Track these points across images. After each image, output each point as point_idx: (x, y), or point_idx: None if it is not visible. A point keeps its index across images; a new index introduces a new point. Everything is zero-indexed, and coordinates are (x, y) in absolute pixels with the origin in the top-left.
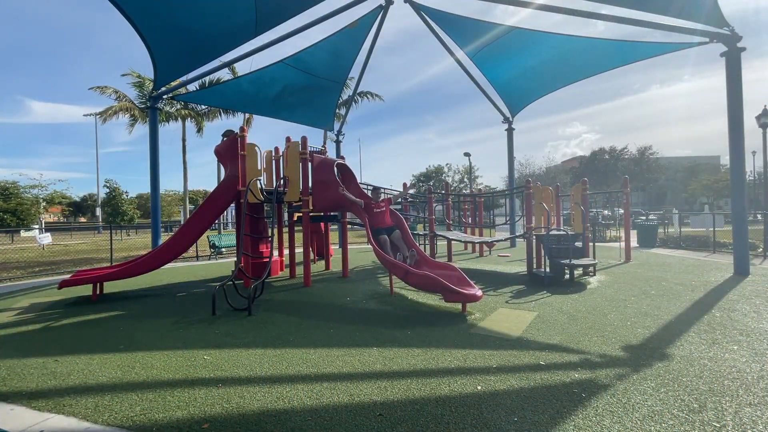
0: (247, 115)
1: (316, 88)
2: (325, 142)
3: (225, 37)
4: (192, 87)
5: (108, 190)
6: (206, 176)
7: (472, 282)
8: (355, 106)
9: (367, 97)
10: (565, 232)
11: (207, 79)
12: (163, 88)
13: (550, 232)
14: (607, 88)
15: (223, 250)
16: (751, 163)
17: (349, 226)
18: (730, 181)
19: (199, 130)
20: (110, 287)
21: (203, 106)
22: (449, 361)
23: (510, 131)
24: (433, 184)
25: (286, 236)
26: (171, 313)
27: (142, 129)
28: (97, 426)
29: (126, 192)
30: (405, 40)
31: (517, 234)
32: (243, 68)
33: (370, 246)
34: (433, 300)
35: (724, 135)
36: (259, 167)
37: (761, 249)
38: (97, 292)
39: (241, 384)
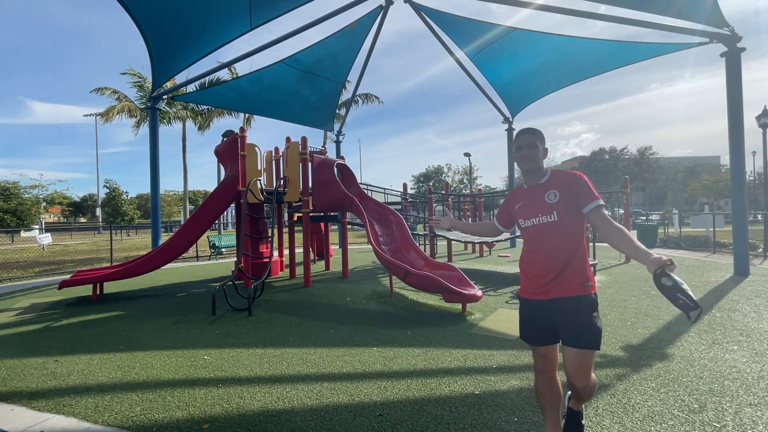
0: (247, 114)
1: (316, 88)
2: (325, 143)
3: (219, 25)
4: (192, 88)
5: (108, 191)
6: (206, 176)
7: (472, 282)
8: (355, 107)
9: (364, 100)
10: None
11: (207, 79)
12: (163, 88)
13: None
14: (607, 88)
15: (223, 250)
16: (751, 163)
17: (349, 226)
18: (730, 181)
19: (201, 127)
20: (110, 287)
21: (203, 107)
22: (449, 362)
23: (510, 131)
24: (433, 185)
25: (286, 236)
26: (171, 313)
27: (143, 129)
28: (97, 426)
29: (126, 192)
30: (405, 42)
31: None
32: (243, 69)
33: (370, 246)
34: (433, 300)
35: (724, 135)
36: (259, 167)
37: (761, 249)
38: (97, 293)
39: (241, 384)
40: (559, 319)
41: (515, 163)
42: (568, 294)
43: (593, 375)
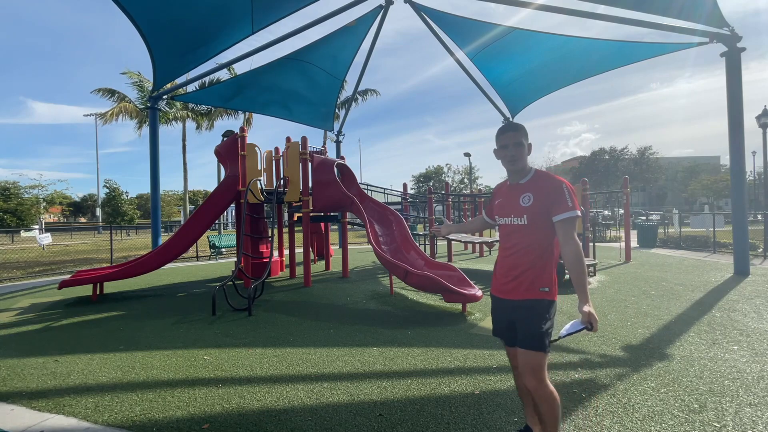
0: (247, 114)
1: (315, 87)
2: (325, 142)
3: (221, 31)
4: (192, 87)
5: (108, 191)
6: (206, 176)
7: (472, 282)
8: (355, 106)
9: (363, 95)
10: None
11: (207, 79)
12: (163, 88)
13: None
14: (607, 88)
15: (223, 250)
16: (751, 163)
17: (349, 226)
18: (730, 181)
19: (200, 126)
20: (110, 287)
21: (204, 107)
22: (449, 362)
23: None
24: (433, 185)
25: (286, 236)
26: (171, 313)
27: (145, 129)
28: (97, 426)
29: (126, 192)
30: (405, 42)
31: None
32: (242, 70)
33: (370, 246)
34: (433, 300)
35: (724, 135)
36: (259, 167)
37: (761, 249)
38: (97, 293)
39: (241, 384)
40: (514, 319)
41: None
42: (524, 297)
43: (550, 388)
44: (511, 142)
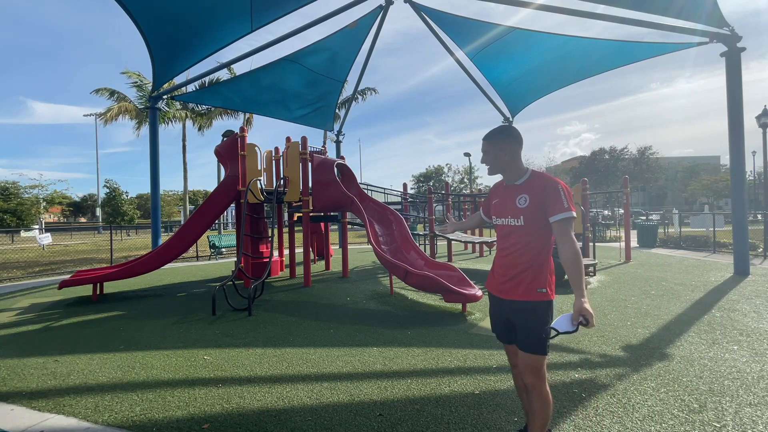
0: (247, 114)
1: (315, 87)
2: (325, 142)
3: (220, 28)
4: (191, 88)
5: (108, 191)
6: (206, 176)
7: (472, 282)
8: (355, 104)
9: (362, 95)
10: None
11: (207, 79)
12: (163, 88)
13: None
14: (607, 88)
15: (223, 250)
16: (751, 163)
17: (349, 226)
18: (730, 181)
19: (201, 128)
20: (110, 287)
21: (203, 107)
22: (449, 361)
23: None
24: (433, 185)
25: (286, 236)
26: (171, 313)
27: (144, 129)
28: (97, 426)
29: (126, 192)
30: (404, 42)
31: None
32: (242, 70)
33: (370, 246)
34: (433, 300)
35: (724, 135)
36: (259, 167)
37: (761, 249)
38: (97, 292)
39: (241, 384)
40: (514, 320)
41: None
42: (522, 298)
43: (548, 388)
44: (483, 151)
